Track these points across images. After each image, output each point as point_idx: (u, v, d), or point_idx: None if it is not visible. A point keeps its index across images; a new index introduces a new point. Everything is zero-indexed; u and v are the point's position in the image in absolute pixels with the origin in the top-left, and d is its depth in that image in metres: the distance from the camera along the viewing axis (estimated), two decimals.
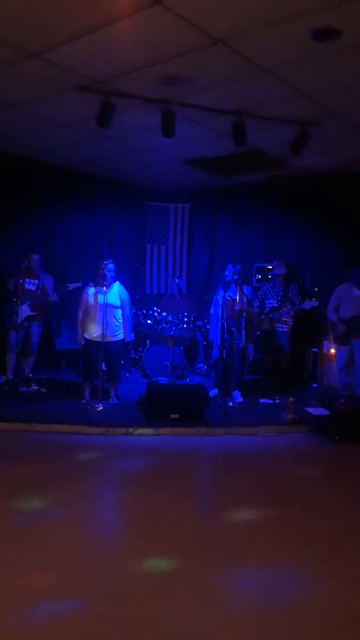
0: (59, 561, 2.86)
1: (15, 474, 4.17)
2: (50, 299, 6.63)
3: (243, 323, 6.32)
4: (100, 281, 6.04)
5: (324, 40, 3.74)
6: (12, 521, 3.35)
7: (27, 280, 6.67)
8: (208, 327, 7.34)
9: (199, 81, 4.51)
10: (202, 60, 4.12)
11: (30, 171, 7.29)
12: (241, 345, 6.39)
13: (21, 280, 6.51)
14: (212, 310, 6.83)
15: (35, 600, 2.49)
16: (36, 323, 6.76)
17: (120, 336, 6.24)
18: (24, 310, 6.55)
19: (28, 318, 6.63)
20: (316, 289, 7.21)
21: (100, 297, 5.99)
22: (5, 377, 6.53)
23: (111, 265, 6.12)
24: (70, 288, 6.46)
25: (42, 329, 6.97)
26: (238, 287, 6.35)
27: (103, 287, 5.98)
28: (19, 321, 6.42)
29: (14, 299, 6.45)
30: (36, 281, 6.72)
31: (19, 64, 4.32)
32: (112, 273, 6.10)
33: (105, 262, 6.15)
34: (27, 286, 6.65)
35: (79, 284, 6.38)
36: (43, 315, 6.89)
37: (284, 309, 6.57)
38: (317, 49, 3.89)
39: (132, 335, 6.71)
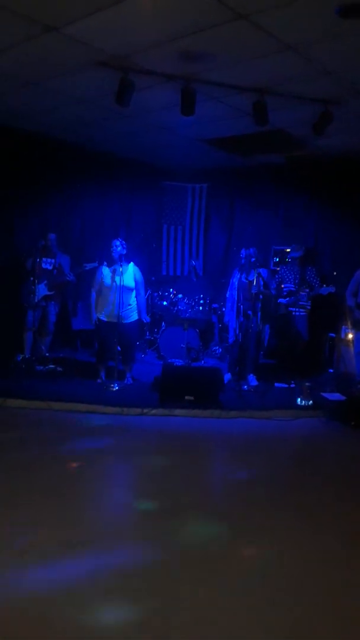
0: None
1: (36, 450, 4.23)
2: (67, 278, 6.65)
3: (259, 306, 6.27)
4: (112, 261, 6.00)
5: (349, 17, 3.60)
6: (28, 498, 3.40)
7: (44, 259, 6.67)
8: (224, 309, 7.29)
9: (220, 57, 4.40)
10: (223, 36, 4.01)
11: (47, 149, 7.24)
12: (257, 329, 6.35)
13: (38, 260, 6.52)
14: (228, 294, 6.79)
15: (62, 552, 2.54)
16: (53, 302, 6.80)
17: (135, 317, 6.24)
18: (41, 290, 6.58)
19: (45, 297, 6.66)
20: (335, 273, 7.11)
21: (117, 278, 5.96)
22: (22, 356, 6.58)
23: (118, 243, 6.06)
24: (87, 268, 6.45)
25: (58, 309, 7.00)
26: (255, 270, 6.29)
27: (119, 268, 5.94)
28: (36, 300, 6.46)
29: (31, 278, 6.48)
30: (53, 260, 6.73)
31: (37, 39, 4.25)
32: (119, 250, 5.99)
33: (113, 241, 6.11)
34: (43, 265, 6.67)
35: (95, 264, 6.36)
36: (60, 294, 6.91)
37: (302, 293, 6.49)
38: (343, 26, 3.75)
39: (148, 317, 6.70)
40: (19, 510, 3.20)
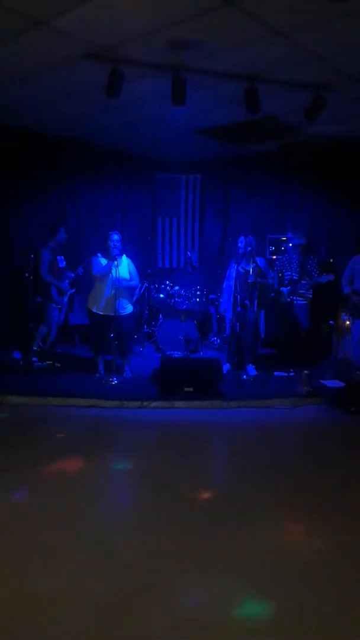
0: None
1: (37, 446, 4.24)
2: (79, 274, 6.72)
3: (256, 295, 6.26)
4: (108, 253, 5.98)
5: (339, 1, 3.57)
6: (29, 489, 3.41)
7: (59, 257, 6.68)
8: (221, 300, 7.28)
9: (209, 45, 4.37)
10: (212, 23, 3.98)
11: (39, 144, 7.20)
12: (254, 319, 6.34)
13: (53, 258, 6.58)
14: (224, 284, 6.76)
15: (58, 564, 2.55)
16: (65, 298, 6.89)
17: (130, 310, 6.23)
18: (66, 288, 6.70)
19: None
20: (331, 260, 7.10)
21: (113, 271, 5.93)
22: (22, 353, 6.59)
23: (116, 236, 6.02)
24: (80, 272, 6.65)
25: None
26: (251, 260, 6.27)
27: (115, 261, 5.91)
28: (66, 298, 6.65)
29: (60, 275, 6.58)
30: (63, 257, 6.76)
31: (25, 34, 4.21)
32: (116, 244, 5.97)
33: (110, 233, 6.09)
34: (60, 264, 6.68)
35: (80, 267, 6.53)
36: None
37: (302, 282, 6.47)
38: (333, 10, 3.72)
39: (143, 307, 6.78)
40: (24, 506, 3.21)
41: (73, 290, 6.79)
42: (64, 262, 6.71)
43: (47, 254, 6.53)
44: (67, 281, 6.70)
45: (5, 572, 2.51)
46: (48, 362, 6.37)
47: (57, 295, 6.63)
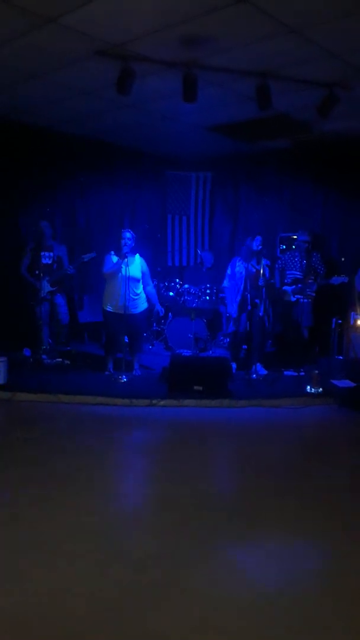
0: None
1: (46, 443, 4.25)
2: (68, 272, 6.54)
3: (264, 294, 6.22)
4: (120, 251, 5.97)
5: None
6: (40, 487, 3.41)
7: (43, 254, 6.58)
8: (226, 299, 7.17)
9: (221, 42, 4.33)
10: (225, 20, 3.94)
11: (49, 142, 7.20)
12: (264, 318, 6.31)
13: (37, 254, 6.49)
14: (227, 283, 6.65)
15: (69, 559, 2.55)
16: (58, 294, 6.75)
17: (143, 308, 6.21)
18: (45, 286, 6.56)
19: (49, 292, 6.63)
20: (342, 259, 7.04)
21: (124, 269, 5.92)
22: (31, 351, 6.60)
23: (128, 234, 6.00)
24: (85, 259, 6.41)
25: (66, 299, 6.93)
26: (261, 259, 6.24)
27: (125, 259, 5.90)
28: (42, 295, 6.45)
29: (36, 272, 6.46)
30: (51, 254, 6.63)
31: (36, 32, 4.21)
32: (129, 241, 5.94)
33: (122, 231, 6.06)
34: (43, 260, 6.57)
35: (93, 254, 6.32)
36: (63, 287, 6.86)
37: (309, 281, 6.42)
38: (346, 6, 3.68)
39: (162, 307, 6.70)
40: (36, 503, 3.21)
41: (53, 289, 6.61)
42: (49, 259, 6.61)
43: (27, 252, 6.56)
44: (47, 278, 6.55)
45: (17, 566, 2.52)
46: (58, 359, 6.38)
47: (30, 293, 6.55)
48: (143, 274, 6.12)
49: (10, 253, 6.98)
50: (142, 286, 6.15)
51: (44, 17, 3.96)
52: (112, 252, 6.08)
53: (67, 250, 6.79)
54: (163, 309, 6.86)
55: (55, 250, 6.69)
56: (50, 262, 6.62)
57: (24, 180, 7.15)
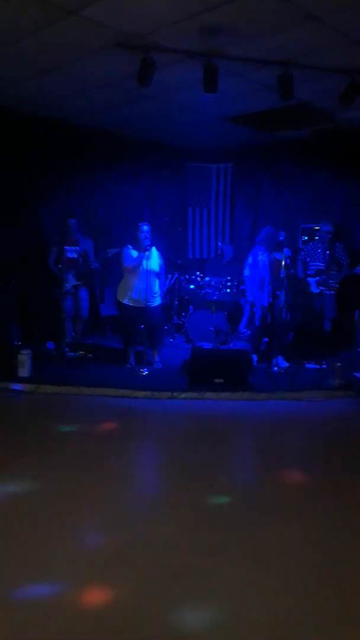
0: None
1: (72, 434, 4.30)
2: (92, 267, 6.65)
3: (286, 285, 6.16)
4: (138, 245, 5.97)
5: None
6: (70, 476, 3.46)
7: (69, 248, 6.66)
8: (247, 290, 7.03)
9: (242, 31, 4.27)
10: (245, 8, 3.89)
11: (69, 136, 7.22)
12: (285, 309, 6.26)
13: (62, 248, 6.55)
14: (248, 272, 6.55)
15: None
16: (82, 289, 6.83)
17: (158, 301, 6.23)
18: (70, 279, 6.63)
19: (74, 285, 6.70)
20: None
21: (145, 263, 5.92)
22: (55, 344, 6.67)
23: (146, 227, 5.99)
24: (110, 254, 6.45)
25: (88, 294, 7.02)
26: (283, 249, 6.18)
27: (145, 252, 5.90)
28: (66, 289, 6.53)
29: (59, 266, 6.53)
30: (77, 248, 6.72)
31: (56, 24, 4.21)
32: (147, 235, 5.94)
33: (140, 225, 6.06)
34: (69, 255, 6.66)
35: (117, 250, 6.35)
36: (88, 281, 6.94)
37: (333, 272, 6.34)
38: None
39: (176, 301, 6.71)
40: (63, 494, 3.26)
41: (78, 283, 6.70)
42: (74, 253, 6.68)
43: (53, 246, 6.65)
44: (72, 271, 6.62)
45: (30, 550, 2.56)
46: (80, 352, 6.44)
47: (54, 286, 6.61)
48: (160, 267, 6.13)
49: (32, 247, 7.05)
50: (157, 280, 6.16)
51: (65, 9, 3.96)
52: (130, 246, 6.08)
53: (94, 245, 6.85)
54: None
55: (82, 244, 6.76)
56: (76, 256, 6.70)
57: (42, 173, 7.19)
